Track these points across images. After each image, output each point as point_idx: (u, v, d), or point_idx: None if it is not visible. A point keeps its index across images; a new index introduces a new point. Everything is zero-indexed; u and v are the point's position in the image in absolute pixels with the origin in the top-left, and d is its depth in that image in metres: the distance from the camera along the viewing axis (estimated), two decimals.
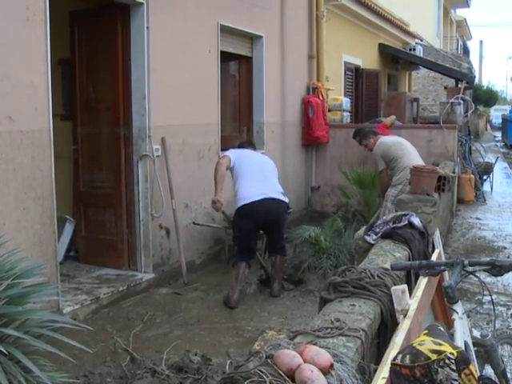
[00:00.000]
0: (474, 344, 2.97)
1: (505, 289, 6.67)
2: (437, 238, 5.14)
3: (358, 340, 2.37)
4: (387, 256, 3.59)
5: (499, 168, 19.10)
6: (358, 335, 2.39)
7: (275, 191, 6.34)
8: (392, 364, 2.08)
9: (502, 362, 3.11)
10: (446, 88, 17.24)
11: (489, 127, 48.61)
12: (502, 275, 2.86)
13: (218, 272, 7.16)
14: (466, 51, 39.89)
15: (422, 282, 3.02)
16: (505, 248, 8.58)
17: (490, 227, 10.11)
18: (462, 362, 2.03)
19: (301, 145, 10.46)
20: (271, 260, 6.50)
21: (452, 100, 11.07)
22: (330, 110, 11.06)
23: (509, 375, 3.97)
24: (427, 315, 3.11)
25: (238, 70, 9.33)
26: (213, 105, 7.84)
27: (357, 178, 8.84)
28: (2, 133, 4.81)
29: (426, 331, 2.25)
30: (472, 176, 12.50)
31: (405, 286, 2.78)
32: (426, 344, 2.07)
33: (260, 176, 6.37)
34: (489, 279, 6.72)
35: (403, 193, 6.91)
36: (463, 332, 2.77)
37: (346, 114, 11.47)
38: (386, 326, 2.80)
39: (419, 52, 18.53)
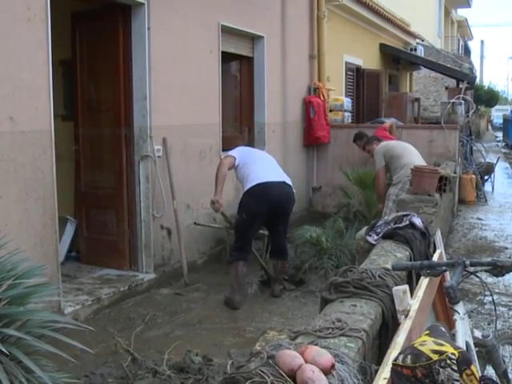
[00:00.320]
0: (476, 344, 2.96)
1: (506, 289, 6.67)
2: (438, 238, 5.12)
3: (359, 340, 2.37)
4: (388, 256, 3.59)
5: (500, 168, 19.10)
6: (359, 335, 2.39)
7: (286, 178, 6.33)
8: (393, 364, 2.07)
9: (504, 362, 3.10)
10: (447, 88, 17.23)
11: (490, 127, 48.60)
12: (503, 275, 2.86)
13: (219, 272, 7.15)
14: (467, 51, 39.89)
15: (424, 282, 3.02)
16: (506, 248, 8.58)
17: (491, 227, 10.11)
18: (463, 362, 2.03)
19: (302, 145, 10.46)
20: (273, 263, 6.49)
21: (453, 100, 11.08)
22: (331, 111, 11.07)
23: (510, 376, 3.99)
24: (428, 316, 3.10)
25: (239, 71, 9.33)
26: (214, 105, 7.84)
27: (358, 179, 8.84)
28: (4, 133, 4.81)
29: (428, 331, 2.24)
30: (473, 176, 12.49)
31: (406, 287, 2.78)
32: (428, 344, 2.06)
33: (270, 165, 6.42)
34: (490, 279, 6.72)
35: (403, 191, 6.91)
36: (464, 332, 2.76)
37: (347, 115, 11.48)
38: (388, 326, 2.80)
39: (420, 52, 18.52)
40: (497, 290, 6.56)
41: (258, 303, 6.13)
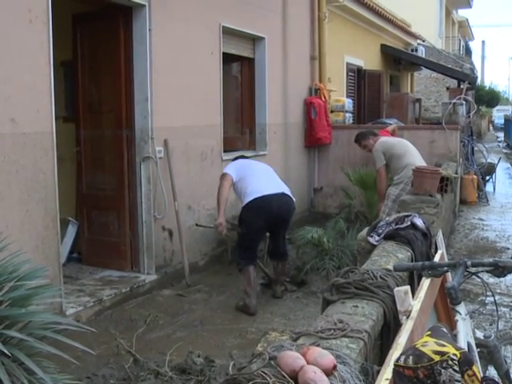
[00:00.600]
0: (477, 345, 2.96)
1: (508, 290, 6.66)
2: (439, 238, 5.12)
3: (360, 341, 2.37)
4: (390, 257, 3.59)
5: (502, 168, 19.08)
6: (360, 336, 2.39)
7: (285, 188, 6.30)
8: (395, 365, 2.07)
9: (506, 362, 3.10)
10: (448, 89, 17.22)
11: (491, 128, 48.56)
12: (504, 276, 2.86)
13: (221, 273, 7.17)
14: (467, 52, 39.92)
15: (425, 283, 3.02)
16: (508, 249, 8.57)
17: (492, 228, 10.10)
18: (465, 363, 2.03)
19: (303, 146, 10.46)
20: (273, 264, 6.48)
21: (454, 101, 11.07)
22: (332, 111, 11.08)
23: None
24: (430, 316, 3.10)
25: (240, 72, 9.34)
26: (215, 106, 7.85)
27: (359, 179, 8.83)
28: (5, 135, 4.82)
29: (429, 332, 2.25)
30: (475, 177, 12.48)
31: (407, 287, 2.77)
32: (429, 345, 2.06)
33: (267, 176, 6.37)
34: (492, 280, 6.71)
35: (404, 191, 6.90)
36: (466, 333, 2.77)
37: (349, 115, 11.48)
38: (389, 327, 2.80)
39: (421, 53, 18.53)
40: (498, 291, 6.55)
41: (259, 304, 6.12)
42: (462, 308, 2.77)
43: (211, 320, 5.68)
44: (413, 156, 7.36)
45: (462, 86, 13.35)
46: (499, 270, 2.83)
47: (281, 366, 1.97)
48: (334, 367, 1.99)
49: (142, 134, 6.60)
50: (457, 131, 10.38)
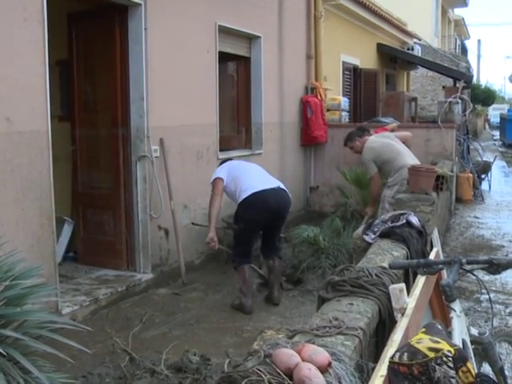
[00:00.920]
0: (472, 342, 2.97)
1: (503, 287, 6.67)
2: (435, 236, 5.14)
3: (356, 338, 2.38)
4: (385, 255, 3.60)
5: (497, 167, 19.11)
6: (356, 334, 2.40)
7: (280, 183, 6.26)
8: (390, 362, 2.08)
9: (500, 359, 3.11)
10: (444, 87, 17.24)
11: (487, 126, 48.66)
12: (499, 273, 2.86)
13: (217, 272, 7.17)
14: (463, 50, 39.95)
15: (420, 280, 3.03)
16: (503, 246, 8.58)
17: (488, 226, 10.11)
18: (459, 359, 2.04)
19: (299, 145, 10.47)
20: (269, 264, 6.34)
21: (450, 99, 11.08)
22: (328, 110, 11.07)
23: (507, 372, 4.00)
24: (425, 313, 3.11)
25: (236, 71, 9.35)
26: (211, 105, 7.85)
27: (355, 178, 8.82)
28: (1, 134, 4.82)
29: (424, 329, 2.25)
30: (470, 175, 12.49)
31: (403, 285, 2.78)
32: (424, 342, 2.07)
33: (260, 173, 6.33)
34: (487, 278, 6.73)
35: (400, 192, 6.89)
36: (461, 330, 2.77)
37: (345, 114, 11.49)
38: (384, 324, 2.81)
39: (417, 51, 18.55)
40: (494, 288, 6.57)
41: (255, 303, 6.11)
42: (456, 305, 2.77)
43: (207, 318, 5.68)
44: (404, 157, 7.27)
45: (457, 85, 13.38)
46: (494, 268, 2.84)
47: (276, 364, 1.98)
48: (329, 364, 2.00)
49: (137, 133, 6.60)
50: (452, 130, 10.39)
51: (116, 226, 6.80)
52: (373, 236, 4.08)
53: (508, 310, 5.95)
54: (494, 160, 16.17)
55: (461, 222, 10.43)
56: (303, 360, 1.97)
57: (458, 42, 41.85)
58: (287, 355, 1.98)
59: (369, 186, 7.77)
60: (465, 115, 12.78)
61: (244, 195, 5.94)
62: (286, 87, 9.90)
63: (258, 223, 6.06)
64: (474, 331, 3.06)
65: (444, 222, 8.96)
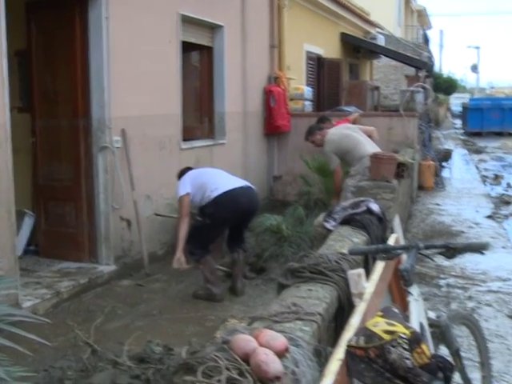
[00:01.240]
0: (430, 325, 3.01)
1: (462, 272, 6.79)
2: (396, 223, 5.19)
3: (314, 324, 2.40)
4: (345, 241, 3.63)
5: (459, 155, 19.43)
6: (314, 319, 2.42)
7: (247, 182, 6.23)
8: (347, 346, 2.10)
9: (457, 341, 3.16)
10: (407, 77, 17.43)
11: (449, 115, 49.30)
12: (455, 257, 2.91)
13: None
14: (426, 40, 40.38)
15: (379, 265, 3.06)
16: (463, 232, 8.73)
17: (448, 212, 10.27)
18: (414, 341, 2.07)
19: (263, 134, 10.48)
20: (233, 256, 6.30)
21: (412, 88, 11.21)
22: (291, 99, 11.10)
23: (463, 354, 4.08)
24: (384, 298, 3.14)
25: (199, 60, 9.30)
26: (174, 95, 7.80)
27: (318, 167, 8.87)
28: None
29: (381, 313, 2.27)
30: (432, 163, 12.65)
31: (361, 270, 2.81)
32: (380, 325, 2.10)
33: (225, 175, 6.28)
34: (447, 263, 6.86)
35: (362, 181, 6.95)
36: (418, 313, 2.81)
37: (308, 103, 11.53)
38: (344, 309, 2.84)
39: (380, 41, 18.67)
40: (453, 273, 6.68)
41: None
42: (414, 289, 2.81)
43: (170, 309, 5.67)
44: (364, 145, 7.33)
45: (419, 74, 13.55)
46: (450, 252, 2.88)
47: (233, 350, 1.98)
48: (286, 349, 2.01)
49: (98, 124, 6.53)
50: (414, 118, 10.51)
51: (78, 218, 6.73)
52: (333, 223, 4.11)
53: (467, 294, 6.05)
54: (455, 148, 16.41)
55: (422, 208, 10.57)
56: (261, 345, 1.98)
57: (421, 31, 42.26)
58: (244, 341, 1.99)
59: (332, 175, 7.82)
60: (426, 104, 12.94)
61: (214, 194, 5.86)
62: (249, 77, 9.88)
63: (226, 221, 6.03)
64: (432, 314, 3.11)
65: (406, 209, 9.07)
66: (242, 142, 9.67)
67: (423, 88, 12.32)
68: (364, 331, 2.11)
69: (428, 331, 2.92)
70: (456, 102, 51.86)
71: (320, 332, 2.43)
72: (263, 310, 2.53)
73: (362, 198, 4.33)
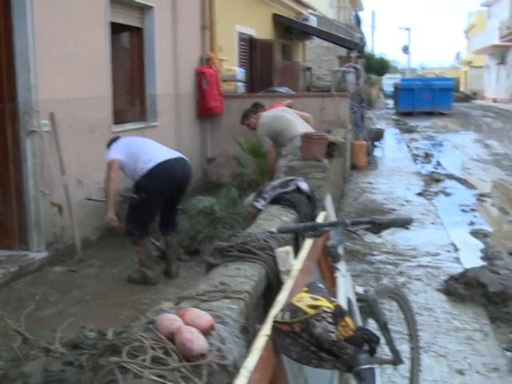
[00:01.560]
0: (358, 300, 3.08)
1: (393, 248, 6.96)
2: (328, 202, 5.26)
3: (241, 301, 2.42)
4: (274, 220, 3.67)
5: (391, 134, 19.83)
6: (241, 297, 2.44)
7: (180, 154, 6.17)
8: (273, 322, 2.13)
9: (384, 315, 3.24)
10: (339, 57, 17.62)
11: (381, 95, 50.14)
12: (380, 232, 2.98)
13: (114, 247, 7.06)
14: (358, 21, 40.82)
15: (307, 243, 3.10)
16: (394, 210, 8.93)
17: (380, 191, 10.48)
18: (338, 314, 2.11)
19: (196, 116, 10.43)
20: (166, 239, 6.27)
21: (343, 68, 11.35)
22: (224, 81, 11.08)
23: (394, 327, 4.20)
24: (314, 275, 3.19)
25: (129, 42, 9.15)
26: (103, 78, 7.65)
27: (251, 148, 8.90)
28: None
29: (306, 289, 2.31)
30: (364, 142, 12.86)
31: (289, 248, 2.85)
32: (304, 300, 2.13)
33: (158, 146, 6.23)
34: (379, 240, 7.03)
35: (293, 162, 7.00)
36: (346, 289, 2.86)
37: (241, 85, 11.52)
38: (272, 287, 2.87)
39: (313, 22, 18.77)
40: (385, 250, 6.84)
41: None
42: (341, 265, 2.86)
43: (104, 294, 5.62)
44: (296, 126, 7.40)
45: (351, 55, 13.72)
46: (376, 228, 2.95)
47: (159, 329, 1.98)
48: (211, 327, 2.02)
49: (25, 107, 6.35)
50: (346, 98, 10.66)
51: (6, 205, 6.55)
52: (263, 202, 4.14)
53: (397, 270, 6.21)
54: (387, 128, 16.72)
55: (355, 187, 10.75)
56: (186, 324, 1.99)
57: (353, 13, 42.70)
58: (169, 320, 1.99)
59: (265, 156, 7.87)
60: (358, 84, 13.13)
61: (148, 166, 5.79)
62: (180, 58, 9.79)
63: (162, 194, 5.93)
64: (360, 289, 3.17)
65: (338, 188, 9.21)
66: (174, 124, 9.60)
67: (354, 68, 12.50)
68: (289, 307, 2.15)
69: (356, 306, 2.99)
70: (388, 82, 52.80)
71: (248, 309, 2.45)
72: (191, 290, 2.53)
73: (290, 177, 4.37)
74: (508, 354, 4.56)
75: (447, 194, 10.89)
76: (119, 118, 8.19)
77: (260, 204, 4.15)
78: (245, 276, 2.67)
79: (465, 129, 24.14)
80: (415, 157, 15.58)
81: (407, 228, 3.05)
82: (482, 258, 6.92)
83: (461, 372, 4.18)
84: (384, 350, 3.36)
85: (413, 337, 3.66)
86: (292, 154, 7.11)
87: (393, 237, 7.30)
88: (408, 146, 17.54)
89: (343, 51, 19.00)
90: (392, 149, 16.61)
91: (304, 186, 4.20)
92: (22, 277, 5.97)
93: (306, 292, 2.26)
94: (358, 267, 6.15)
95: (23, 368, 4.16)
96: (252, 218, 4.08)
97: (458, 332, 4.82)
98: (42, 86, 6.38)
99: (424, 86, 31.14)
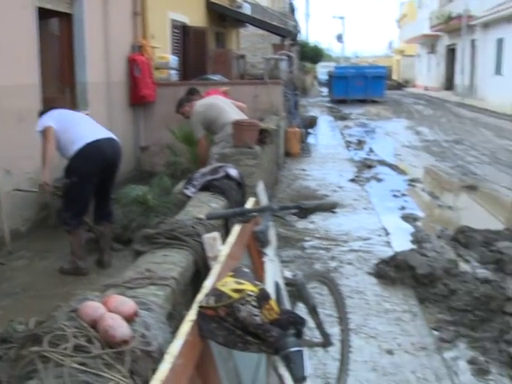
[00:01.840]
0: (287, 284, 3.12)
1: (326, 234, 7.06)
2: (260, 189, 5.30)
3: (167, 288, 2.42)
4: (203, 207, 3.67)
5: (325, 122, 20.05)
6: (168, 283, 2.44)
7: (111, 134, 6.07)
8: (198, 307, 2.15)
9: (313, 298, 3.29)
10: (274, 46, 17.69)
11: (316, 83, 50.63)
12: (307, 217, 3.02)
13: (45, 238, 6.92)
14: (292, 10, 41.01)
15: (235, 229, 3.12)
16: (327, 196, 9.04)
17: (313, 177, 10.60)
18: (262, 298, 2.14)
19: (128, 104, 10.30)
20: (99, 229, 6.19)
21: (276, 56, 11.40)
22: (156, 69, 10.97)
23: (326, 311, 4.28)
24: (243, 260, 3.22)
25: (58, 28, 8.93)
26: (31, 65, 7.46)
27: (184, 136, 8.86)
28: None
29: (231, 273, 2.33)
30: (298, 130, 12.95)
31: (216, 234, 2.86)
32: (229, 284, 2.15)
33: (91, 123, 6.11)
34: (312, 226, 7.13)
35: (226, 149, 7.02)
36: (274, 273, 2.90)
37: (174, 72, 11.44)
38: (201, 273, 2.88)
39: (246, 10, 18.76)
40: (317, 235, 6.94)
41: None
42: (269, 250, 2.89)
43: (34, 286, 5.51)
44: (228, 113, 7.39)
45: (284, 43, 13.79)
46: (303, 212, 2.98)
47: (81, 317, 1.97)
48: (135, 313, 2.02)
49: None
50: (279, 86, 10.71)
51: None
52: (193, 190, 4.14)
53: (330, 254, 6.31)
54: (320, 115, 16.91)
55: (289, 174, 10.83)
56: (110, 311, 1.98)
57: (287, 1, 42.83)
58: (92, 308, 1.97)
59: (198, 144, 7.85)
60: (291, 72, 13.20)
61: (78, 146, 5.68)
62: (112, 45, 9.63)
63: (93, 175, 5.82)
64: (288, 274, 3.22)
65: (272, 175, 9.27)
66: (106, 112, 9.45)
67: (288, 56, 12.56)
68: (214, 291, 2.16)
69: (284, 290, 3.03)
70: (323, 70, 53.23)
71: (175, 296, 2.46)
72: (117, 278, 2.52)
73: (220, 164, 4.39)
74: (435, 333, 4.71)
75: (379, 180, 11.11)
76: (49, 106, 7.99)
77: (190, 191, 4.15)
78: (172, 262, 2.67)
79: (397, 116, 24.66)
80: (348, 144, 15.80)
81: (333, 212, 3.10)
82: (412, 242, 7.09)
83: (390, 352, 4.30)
84: (315, 333, 3.42)
85: (342, 319, 3.73)
86: (224, 141, 7.12)
87: (325, 222, 7.41)
88: (341, 133, 17.77)
89: (278, 39, 19.09)
90: (326, 136, 16.81)
91: (233, 172, 4.21)
92: None
93: (231, 276, 2.28)
94: (290, 253, 6.22)
95: None
96: (182, 205, 4.07)
97: (388, 313, 4.95)
98: None
99: (357, 74, 31.62)
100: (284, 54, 11.88)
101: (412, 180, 11.26)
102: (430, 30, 42.90)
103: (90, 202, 6.14)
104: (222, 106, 7.57)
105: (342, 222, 7.53)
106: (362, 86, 31.27)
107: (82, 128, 5.88)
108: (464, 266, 6.13)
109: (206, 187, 4.09)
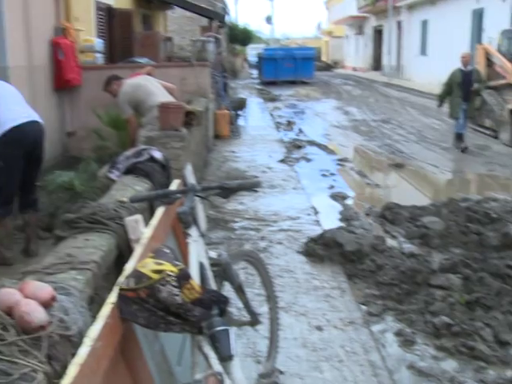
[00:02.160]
0: (212, 264, 3.14)
1: (256, 214, 7.11)
2: (188, 171, 5.29)
3: (88, 272, 2.40)
4: (127, 190, 3.64)
5: (254, 103, 20.11)
6: (88, 267, 2.43)
7: (36, 115, 5.86)
8: (119, 289, 2.14)
9: (238, 277, 3.32)
10: (202, 28, 17.57)
11: (246, 65, 50.60)
12: (230, 197, 3.04)
13: None
14: None
15: (159, 211, 3.12)
16: (256, 177, 9.06)
17: (243, 159, 10.64)
18: (182, 277, 2.16)
19: (52, 89, 10.02)
20: (25, 218, 5.98)
21: (203, 38, 11.33)
22: (81, 52, 10.72)
23: (254, 290, 4.33)
24: (167, 242, 3.22)
25: None
26: None
27: (111, 121, 8.72)
28: None
29: (152, 255, 2.33)
30: (227, 112, 12.95)
31: (138, 216, 2.85)
32: (148, 266, 2.16)
33: (17, 101, 5.81)
34: (241, 207, 7.17)
35: (153, 132, 6.95)
36: (198, 254, 2.91)
37: (99, 56, 11.21)
38: (124, 256, 2.86)
39: None
40: (247, 216, 6.98)
41: (11, 256, 5.86)
42: (193, 231, 2.90)
43: None
44: (156, 96, 7.31)
45: (212, 24, 13.71)
46: (226, 192, 3.00)
47: None
48: (53, 298, 2.00)
49: None
50: (207, 68, 10.65)
51: None
52: (117, 173, 4.10)
53: (259, 235, 6.37)
54: (250, 97, 16.94)
55: (218, 156, 10.83)
56: (26, 297, 1.95)
57: None
58: (7, 295, 1.94)
59: (126, 128, 7.76)
60: (220, 54, 13.16)
61: (2, 130, 5.46)
62: (33, 28, 9.32)
63: (17, 159, 5.59)
64: (213, 254, 3.23)
65: (201, 158, 9.26)
66: (28, 97, 9.11)
67: (215, 38, 12.51)
68: (134, 273, 2.17)
69: (209, 270, 3.05)
70: (253, 52, 53.27)
71: (96, 280, 2.44)
72: (36, 264, 2.48)
73: (144, 147, 4.36)
74: (363, 307, 4.84)
75: (308, 160, 11.25)
76: None
77: (114, 175, 4.11)
78: (93, 246, 2.65)
79: (326, 97, 24.96)
80: (278, 125, 15.90)
81: (256, 191, 3.14)
82: (341, 220, 7.24)
83: (319, 328, 4.39)
84: (243, 313, 3.45)
85: (270, 298, 3.78)
86: (151, 124, 7.05)
87: (255, 203, 7.47)
88: (271, 115, 17.86)
89: (206, 21, 18.95)
90: (255, 118, 16.86)
91: (158, 154, 4.19)
92: None
93: (151, 258, 2.28)
94: (220, 234, 6.25)
95: None
96: (107, 189, 4.03)
97: (317, 291, 5.05)
98: None
99: (286, 56, 31.80)
100: (211, 35, 11.82)
101: (341, 159, 11.45)
102: (358, 12, 43.50)
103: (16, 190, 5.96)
104: (150, 87, 7.49)
105: (271, 203, 7.60)
106: (291, 68, 31.46)
107: (6, 108, 5.63)
108: (391, 242, 6.32)
109: (131, 170, 4.06)
